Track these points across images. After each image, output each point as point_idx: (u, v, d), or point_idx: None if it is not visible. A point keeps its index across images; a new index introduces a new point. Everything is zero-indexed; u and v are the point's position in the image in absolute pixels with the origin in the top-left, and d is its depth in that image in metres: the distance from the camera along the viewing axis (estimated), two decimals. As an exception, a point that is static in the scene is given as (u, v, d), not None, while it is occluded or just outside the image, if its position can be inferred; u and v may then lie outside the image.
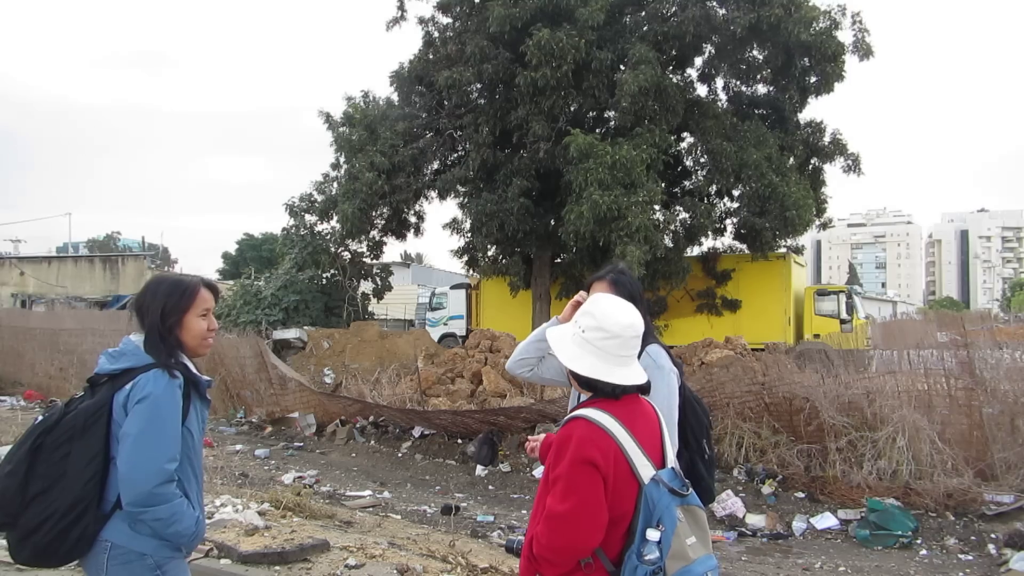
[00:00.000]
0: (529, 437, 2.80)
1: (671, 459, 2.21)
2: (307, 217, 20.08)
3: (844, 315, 19.85)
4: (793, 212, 15.93)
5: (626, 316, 2.18)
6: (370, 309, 23.98)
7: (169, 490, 2.32)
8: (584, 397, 2.29)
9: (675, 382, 2.82)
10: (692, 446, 2.88)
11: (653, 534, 2.01)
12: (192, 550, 2.55)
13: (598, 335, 2.15)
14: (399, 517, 6.98)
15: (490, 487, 8.48)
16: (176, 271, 50.17)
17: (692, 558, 2.04)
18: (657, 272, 16.56)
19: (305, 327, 19.67)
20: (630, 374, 2.17)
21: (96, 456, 2.32)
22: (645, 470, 2.08)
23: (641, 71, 14.92)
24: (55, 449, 2.33)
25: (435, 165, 19.08)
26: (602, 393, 2.16)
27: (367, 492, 8.16)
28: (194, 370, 2.51)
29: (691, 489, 2.14)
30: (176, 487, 2.36)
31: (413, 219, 19.98)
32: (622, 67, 15.99)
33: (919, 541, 6.37)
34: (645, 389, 2.22)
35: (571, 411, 2.24)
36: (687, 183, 19.04)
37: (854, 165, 18.33)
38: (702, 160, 18.31)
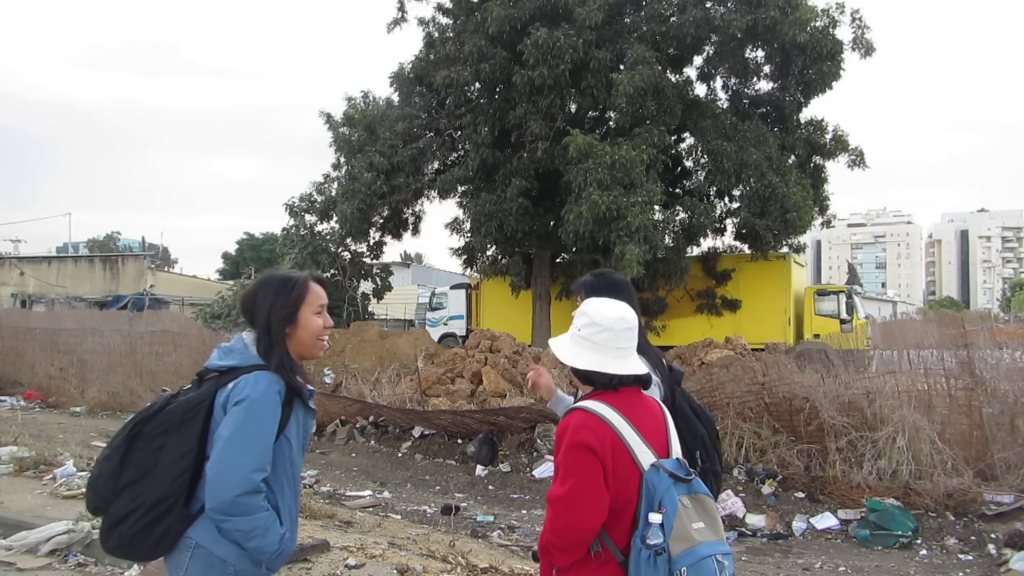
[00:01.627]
0: (531, 366, 2.91)
1: (676, 451, 2.25)
2: (307, 217, 20.09)
3: (844, 315, 19.85)
4: (793, 213, 15.93)
5: (615, 310, 2.30)
6: (370, 309, 23.99)
7: (253, 502, 2.20)
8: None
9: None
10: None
11: (655, 517, 2.07)
12: (276, 569, 2.39)
13: (592, 330, 2.26)
14: (399, 517, 6.98)
15: (490, 487, 8.48)
16: (177, 271, 50.21)
17: (698, 540, 2.07)
18: (657, 272, 16.57)
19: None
20: (628, 365, 2.25)
21: (189, 452, 2.24)
22: (645, 457, 2.14)
23: (638, 72, 14.91)
24: (151, 439, 2.26)
25: (435, 165, 19.08)
26: (600, 386, 2.24)
27: (367, 492, 8.16)
28: (299, 377, 2.36)
29: (697, 477, 2.18)
30: (263, 499, 2.23)
31: (412, 219, 19.99)
32: (621, 67, 15.99)
33: (919, 541, 6.37)
34: (645, 381, 2.30)
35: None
36: (687, 183, 19.03)
37: (858, 160, 18.30)
38: (702, 160, 18.31)
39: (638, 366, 2.27)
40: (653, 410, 2.29)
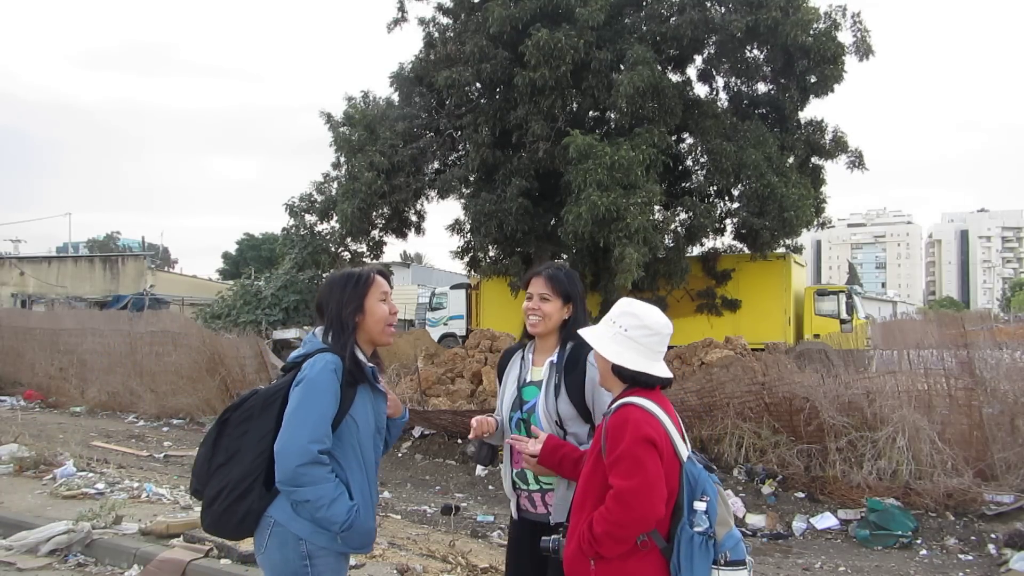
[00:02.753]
0: (514, 437, 2.79)
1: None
2: (307, 217, 20.06)
3: (844, 315, 19.85)
4: (791, 213, 15.91)
5: (662, 316, 2.45)
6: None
7: (316, 472, 2.36)
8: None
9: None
10: None
11: (700, 504, 2.21)
12: (353, 548, 2.53)
13: (642, 332, 2.38)
14: (399, 517, 6.98)
15: (490, 487, 8.48)
16: (177, 271, 50.21)
17: (732, 524, 2.27)
18: (657, 272, 16.54)
19: (305, 327, 19.65)
20: (664, 368, 2.41)
21: (268, 434, 2.43)
22: (683, 450, 2.30)
23: (637, 72, 14.88)
24: (237, 425, 2.48)
25: (435, 165, 19.06)
26: (640, 384, 2.37)
27: (367, 492, 8.15)
28: (363, 359, 2.56)
29: None
30: (328, 472, 2.39)
31: (414, 218, 19.98)
32: (621, 67, 15.97)
33: (919, 541, 6.37)
34: (670, 384, 2.44)
35: (612, 404, 2.39)
36: (687, 183, 19.02)
37: (858, 161, 18.29)
38: (702, 160, 18.28)
39: (668, 370, 2.41)
40: (671, 408, 2.41)
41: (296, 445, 2.34)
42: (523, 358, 2.94)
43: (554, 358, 2.81)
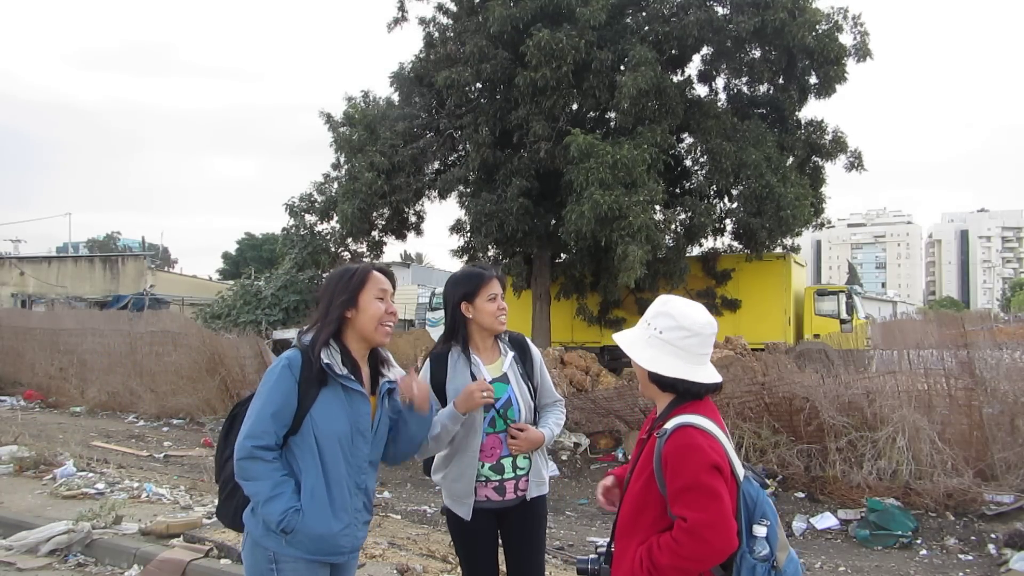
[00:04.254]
0: (518, 424, 2.95)
1: None
2: (307, 217, 20.08)
3: (844, 315, 19.83)
4: (787, 212, 15.91)
5: (704, 314, 2.19)
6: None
7: (253, 467, 2.31)
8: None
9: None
10: None
11: (760, 529, 2.02)
12: (310, 554, 2.37)
13: (679, 335, 2.13)
14: (399, 517, 6.98)
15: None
16: (177, 271, 50.20)
17: (789, 546, 2.09)
18: (658, 272, 16.55)
19: (305, 327, 19.62)
20: (709, 373, 2.16)
21: None
22: (739, 469, 2.09)
23: (641, 73, 14.89)
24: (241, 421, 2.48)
25: (435, 165, 19.06)
26: (686, 395, 2.14)
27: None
28: (331, 359, 2.41)
29: None
30: (269, 469, 2.32)
31: (414, 218, 19.99)
32: (622, 67, 15.97)
33: (919, 541, 6.37)
34: (719, 389, 2.20)
35: (660, 420, 2.18)
36: (688, 183, 19.02)
37: (857, 162, 18.30)
38: (702, 160, 18.28)
39: (716, 373, 2.19)
40: (721, 420, 2.18)
41: (239, 440, 2.34)
42: (467, 360, 2.98)
43: (510, 352, 3.07)
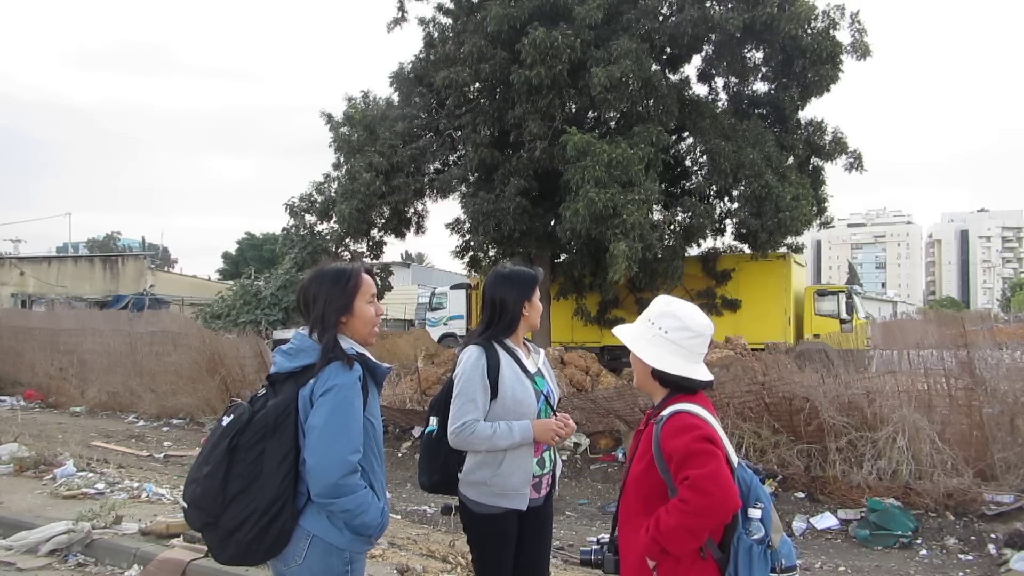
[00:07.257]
0: (563, 416, 3.03)
1: None
2: (307, 217, 20.09)
3: (844, 315, 19.82)
4: (786, 213, 15.89)
5: (704, 316, 2.34)
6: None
7: (354, 481, 2.34)
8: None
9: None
10: None
11: (754, 512, 2.13)
12: (376, 541, 2.58)
13: (684, 335, 2.27)
14: (399, 517, 6.98)
15: (490, 487, 8.46)
16: (177, 271, 50.21)
17: (782, 529, 2.20)
18: (655, 272, 16.53)
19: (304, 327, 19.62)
20: (705, 371, 2.30)
21: (289, 453, 2.35)
22: (733, 455, 2.21)
23: (618, 64, 14.77)
24: (250, 448, 2.35)
25: (435, 165, 19.06)
26: (682, 390, 2.27)
27: (367, 492, 8.14)
28: (371, 358, 2.51)
29: None
30: (361, 478, 2.37)
31: (414, 218, 19.99)
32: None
33: (919, 541, 6.37)
34: (711, 387, 2.34)
35: (656, 410, 2.30)
36: (687, 183, 19.02)
37: (856, 163, 18.28)
38: (701, 160, 18.28)
39: (708, 372, 2.32)
40: (715, 413, 2.30)
41: (338, 457, 2.30)
42: (509, 354, 3.02)
43: (540, 349, 3.20)
